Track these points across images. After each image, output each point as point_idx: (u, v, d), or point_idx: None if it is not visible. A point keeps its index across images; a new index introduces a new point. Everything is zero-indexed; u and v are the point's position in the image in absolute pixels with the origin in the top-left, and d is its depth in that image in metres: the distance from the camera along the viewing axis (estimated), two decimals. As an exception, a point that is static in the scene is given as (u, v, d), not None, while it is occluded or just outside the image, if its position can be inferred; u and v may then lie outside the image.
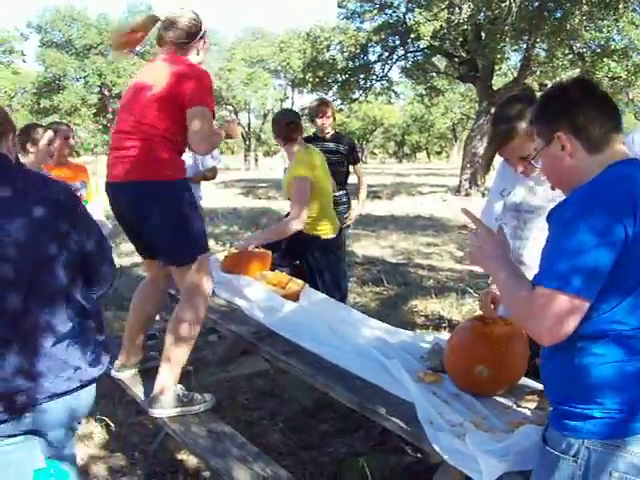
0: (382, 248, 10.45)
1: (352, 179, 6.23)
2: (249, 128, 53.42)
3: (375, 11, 21.68)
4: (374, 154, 78.99)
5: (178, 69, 3.13)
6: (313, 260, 4.59)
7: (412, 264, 8.97)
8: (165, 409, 3.11)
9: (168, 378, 3.15)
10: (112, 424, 4.05)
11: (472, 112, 35.13)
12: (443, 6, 16.22)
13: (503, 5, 14.95)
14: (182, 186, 3.19)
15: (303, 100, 46.24)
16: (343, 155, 5.90)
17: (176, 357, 3.16)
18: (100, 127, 45.50)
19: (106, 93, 44.46)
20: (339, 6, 22.57)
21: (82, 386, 2.11)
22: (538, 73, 20.89)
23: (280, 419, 4.15)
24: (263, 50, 46.86)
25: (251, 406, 4.38)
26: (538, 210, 2.75)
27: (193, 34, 3.30)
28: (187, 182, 3.25)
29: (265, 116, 54.00)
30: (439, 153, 76.83)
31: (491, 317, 2.58)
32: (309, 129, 9.79)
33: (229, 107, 51.72)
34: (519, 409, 2.39)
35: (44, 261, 2.01)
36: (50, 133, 4.51)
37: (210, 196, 19.23)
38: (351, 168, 6.10)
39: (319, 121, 5.87)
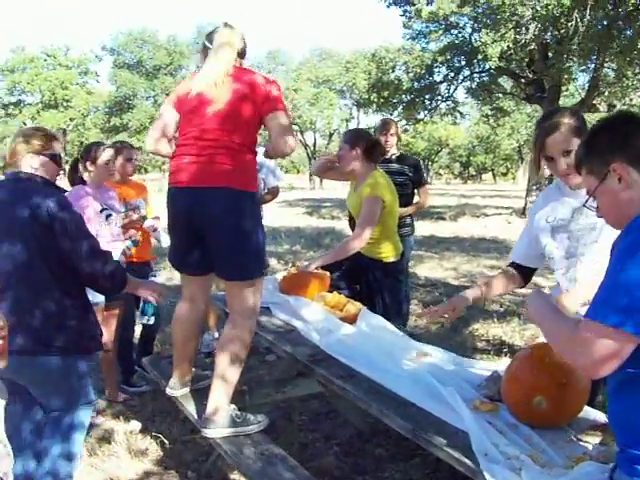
0: (445, 270, 10.32)
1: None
2: (314, 148, 53.74)
3: (441, 32, 21.58)
4: (439, 175, 78.52)
5: (252, 78, 3.19)
6: (374, 283, 4.53)
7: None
8: (218, 429, 3.10)
9: (221, 398, 3.14)
10: (166, 441, 4.08)
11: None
12: (510, 26, 16.01)
13: (569, 24, 14.65)
14: (257, 199, 3.23)
15: (368, 120, 46.13)
16: (407, 177, 5.84)
17: (228, 376, 3.15)
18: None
19: (175, 112, 45.33)
20: (405, 27, 22.54)
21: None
22: (606, 94, 20.40)
23: (335, 442, 4.11)
24: (329, 70, 47.23)
25: (306, 428, 4.34)
26: (590, 226, 2.71)
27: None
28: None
29: (331, 136, 54.27)
30: (505, 174, 75.88)
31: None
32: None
33: (295, 127, 52.14)
34: (580, 443, 2.29)
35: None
36: (109, 152, 4.58)
37: (274, 215, 19.47)
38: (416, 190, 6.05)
39: (383, 139, 5.79)
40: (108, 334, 4.52)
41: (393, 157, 5.87)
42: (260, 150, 5.94)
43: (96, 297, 4.49)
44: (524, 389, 2.37)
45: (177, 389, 3.55)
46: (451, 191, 40.76)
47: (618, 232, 1.72)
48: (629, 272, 1.54)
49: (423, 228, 16.67)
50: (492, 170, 73.94)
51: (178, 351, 3.53)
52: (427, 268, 10.41)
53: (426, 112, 24.60)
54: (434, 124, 33.62)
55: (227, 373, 3.14)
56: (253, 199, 3.17)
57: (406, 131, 36.15)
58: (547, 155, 2.67)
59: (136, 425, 4.45)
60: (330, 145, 52.99)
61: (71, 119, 43.92)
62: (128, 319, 5.03)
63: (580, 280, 2.72)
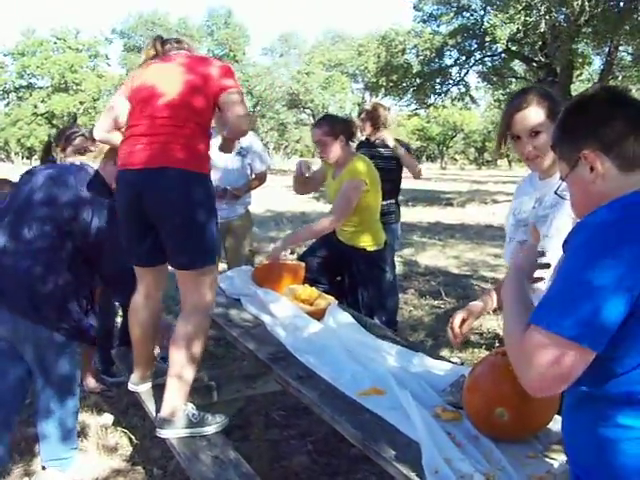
0: (447, 258, 10.10)
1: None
2: (326, 132, 53.44)
3: (452, 14, 21.27)
4: (455, 160, 77.98)
5: (205, 70, 2.99)
6: (357, 274, 4.36)
7: (476, 276, 8.60)
8: (174, 430, 2.92)
9: (176, 397, 2.96)
10: (134, 438, 3.94)
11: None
12: (520, 7, 15.67)
13: (575, 3, 14.28)
14: (212, 187, 3.05)
15: (381, 104, 45.81)
16: (393, 160, 5.66)
17: (183, 375, 2.96)
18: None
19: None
20: (415, 9, 22.26)
21: None
22: (621, 78, 20.02)
23: (309, 439, 3.94)
24: (342, 54, 46.95)
25: (281, 424, 4.18)
26: (544, 218, 2.47)
27: None
28: None
29: (343, 120, 53.98)
30: (520, 160, 74.87)
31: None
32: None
33: (307, 110, 51.92)
34: (545, 459, 2.08)
35: None
36: (81, 140, 4.40)
37: (279, 199, 19.27)
38: (406, 173, 5.88)
39: (360, 124, 5.69)
40: None
41: (378, 141, 5.71)
42: (250, 135, 5.78)
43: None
44: (485, 398, 2.15)
45: (138, 384, 3.38)
46: (464, 176, 40.40)
47: (568, 227, 1.52)
48: (585, 274, 1.34)
49: (429, 214, 16.48)
50: (507, 156, 73.26)
51: (137, 346, 3.34)
52: (429, 256, 10.20)
53: (436, 96, 24.31)
54: (445, 108, 33.29)
55: (182, 371, 2.96)
56: (207, 184, 2.97)
57: (417, 115, 35.80)
58: (514, 133, 2.47)
59: (108, 419, 4.32)
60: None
61: (81, 103, 43.90)
62: (108, 307, 4.89)
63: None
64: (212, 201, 2.99)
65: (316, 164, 5.06)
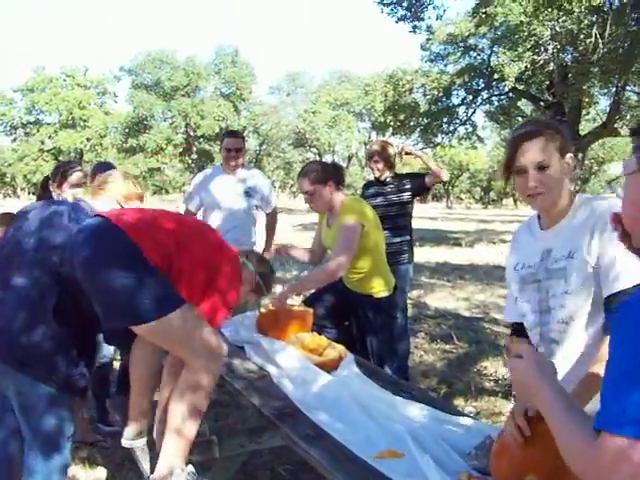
0: (457, 300, 9.85)
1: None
2: (333, 171, 53.49)
3: (459, 53, 21.30)
4: (460, 199, 77.97)
5: None
6: (365, 322, 4.13)
7: (487, 319, 8.34)
8: (167, 496, 2.66)
9: (174, 457, 2.70)
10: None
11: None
12: (528, 46, 15.61)
13: (588, 41, 14.19)
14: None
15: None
16: (408, 189, 5.49)
17: (183, 431, 2.70)
18: (186, 166, 46.58)
19: (191, 134, 45.47)
20: (422, 49, 22.30)
21: None
22: (628, 117, 19.92)
23: (319, 498, 3.67)
24: (348, 93, 47.20)
25: (289, 478, 3.91)
26: (558, 272, 2.22)
27: None
28: None
29: (350, 159, 54.06)
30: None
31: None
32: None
33: (313, 149, 52.07)
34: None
35: None
36: (78, 175, 4.23)
37: (285, 238, 19.07)
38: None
39: (372, 166, 5.54)
40: None
41: (387, 179, 5.53)
42: (254, 172, 5.63)
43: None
44: (513, 465, 1.90)
45: (133, 439, 3.12)
46: (471, 216, 40.25)
47: (586, 278, 1.30)
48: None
49: (438, 254, 16.23)
50: (513, 195, 73.24)
51: (134, 396, 3.10)
52: (438, 298, 9.95)
53: (444, 136, 24.24)
54: (452, 148, 33.27)
55: (182, 427, 2.70)
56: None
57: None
58: (518, 167, 2.18)
59: (102, 473, 4.06)
60: (350, 168, 52.72)
61: (88, 139, 44.05)
62: (102, 349, 4.65)
63: (558, 340, 2.27)
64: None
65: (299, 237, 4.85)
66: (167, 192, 52.43)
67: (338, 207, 4.06)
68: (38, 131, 45.20)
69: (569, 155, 2.20)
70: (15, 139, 48.74)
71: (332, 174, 4.07)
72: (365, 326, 4.12)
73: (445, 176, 5.55)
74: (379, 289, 4.08)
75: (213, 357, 2.74)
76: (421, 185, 5.53)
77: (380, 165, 5.50)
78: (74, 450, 4.29)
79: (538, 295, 2.30)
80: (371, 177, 5.80)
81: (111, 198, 3.12)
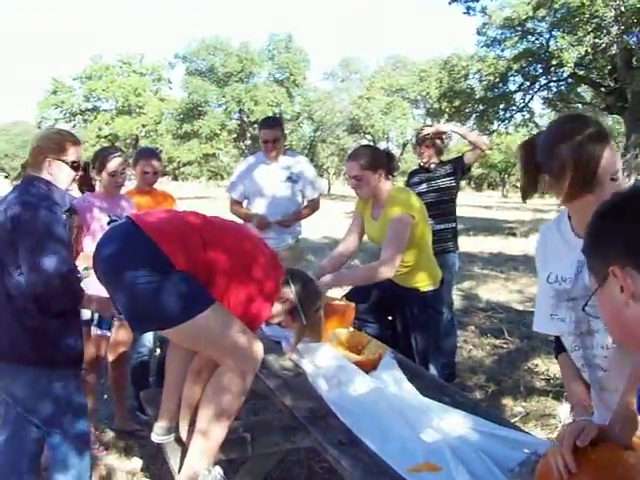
0: (510, 293, 9.55)
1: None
2: (387, 158, 53.13)
3: (516, 38, 20.72)
4: (516, 188, 76.65)
5: None
6: (410, 317, 3.94)
7: (540, 313, 8.05)
8: (193, 498, 2.55)
9: (200, 458, 2.59)
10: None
11: (620, 147, 33.11)
12: (589, 29, 15.04)
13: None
14: None
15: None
16: (451, 173, 5.34)
17: (211, 432, 2.59)
18: (240, 152, 46.77)
19: (244, 119, 45.60)
20: (478, 33, 21.81)
21: None
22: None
23: (355, 500, 3.52)
24: (403, 79, 46.72)
25: (325, 477, 3.78)
26: None
27: None
28: None
29: (404, 146, 53.52)
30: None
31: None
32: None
33: (368, 136, 51.73)
34: None
35: None
36: (117, 161, 4.16)
37: (337, 226, 18.93)
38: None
39: (419, 150, 5.44)
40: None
41: (432, 166, 5.41)
42: (299, 159, 5.47)
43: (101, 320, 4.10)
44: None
45: (163, 435, 3.02)
46: (526, 205, 39.44)
47: None
48: None
49: (491, 244, 15.91)
50: (571, 184, 71.61)
51: (167, 389, 3.01)
52: (490, 290, 9.67)
53: (500, 123, 23.74)
54: (508, 135, 32.63)
55: (210, 429, 2.59)
56: None
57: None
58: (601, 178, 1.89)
59: (137, 463, 4.02)
60: (404, 155, 52.23)
61: (143, 125, 44.54)
62: (144, 339, 4.60)
63: (603, 366, 1.99)
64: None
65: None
66: (222, 178, 52.69)
67: (384, 197, 3.87)
68: (96, 118, 45.86)
69: None
70: (74, 126, 49.62)
71: (384, 162, 3.88)
72: (410, 322, 3.94)
73: (484, 144, 5.38)
74: (425, 283, 3.90)
75: (245, 358, 2.62)
76: (461, 164, 5.39)
77: (431, 151, 5.38)
78: (112, 439, 4.30)
79: (575, 315, 2.02)
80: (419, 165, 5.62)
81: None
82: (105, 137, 44.44)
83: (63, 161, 2.93)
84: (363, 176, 3.83)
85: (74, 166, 2.98)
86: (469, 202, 37.46)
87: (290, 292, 2.87)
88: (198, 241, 2.62)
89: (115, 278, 2.57)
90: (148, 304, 2.49)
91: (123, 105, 44.89)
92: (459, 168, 5.35)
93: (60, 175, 2.93)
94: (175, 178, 54.90)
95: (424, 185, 5.34)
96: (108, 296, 2.77)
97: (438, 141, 5.44)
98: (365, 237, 4.24)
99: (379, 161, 3.85)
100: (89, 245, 3.91)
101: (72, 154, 2.97)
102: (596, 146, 1.88)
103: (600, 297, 1.30)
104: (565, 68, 17.68)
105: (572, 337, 2.05)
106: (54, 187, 2.89)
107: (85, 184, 4.19)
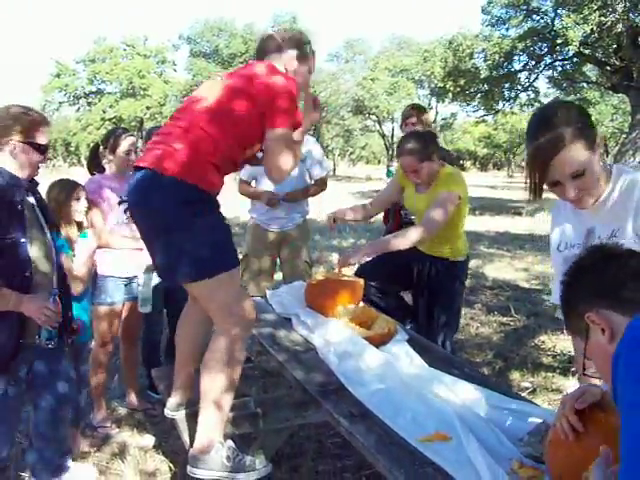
0: (516, 271, 9.59)
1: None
2: (392, 138, 52.94)
3: (521, 17, 20.57)
4: (521, 168, 76.42)
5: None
6: (435, 285, 3.98)
7: (546, 291, 8.07)
8: (206, 471, 2.58)
9: (212, 431, 2.63)
10: (175, 465, 3.65)
11: (625, 125, 32.85)
12: (595, 7, 14.91)
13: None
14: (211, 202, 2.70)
15: (445, 110, 45.40)
16: None
17: (217, 403, 2.63)
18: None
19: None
20: (483, 12, 21.65)
21: None
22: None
23: (365, 473, 3.56)
24: (407, 59, 46.48)
25: (336, 454, 3.82)
26: None
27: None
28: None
29: (408, 126, 53.38)
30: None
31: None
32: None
33: (372, 117, 51.55)
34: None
35: None
36: (130, 140, 4.18)
37: (343, 206, 18.97)
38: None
39: (407, 128, 5.15)
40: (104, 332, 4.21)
41: None
42: (307, 138, 5.47)
43: (112, 297, 4.13)
44: (572, 458, 1.73)
45: (176, 410, 3.07)
46: (532, 184, 39.37)
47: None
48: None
49: (497, 223, 15.93)
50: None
51: (178, 365, 3.05)
52: (496, 268, 9.71)
53: (505, 102, 23.64)
54: (514, 115, 32.51)
55: (215, 400, 2.62)
56: (197, 194, 2.59)
57: (484, 121, 35.07)
58: (551, 180, 2.00)
59: (149, 441, 4.06)
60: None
61: (148, 108, 44.55)
62: (154, 319, 4.64)
63: None
64: (203, 210, 2.62)
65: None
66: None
67: (433, 175, 3.91)
68: (100, 101, 45.88)
69: (597, 141, 2.00)
70: (79, 109, 49.60)
71: (433, 146, 3.92)
72: (434, 291, 3.97)
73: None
74: (455, 253, 3.98)
75: (246, 326, 2.71)
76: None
77: (419, 127, 5.14)
78: (124, 417, 4.36)
79: None
80: None
81: None
82: (109, 120, 44.41)
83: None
84: (422, 167, 3.84)
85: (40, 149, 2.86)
86: (475, 182, 37.41)
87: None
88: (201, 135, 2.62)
89: (162, 230, 2.58)
90: (185, 255, 2.55)
91: (127, 87, 44.85)
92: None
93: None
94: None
95: None
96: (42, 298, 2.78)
97: (427, 117, 5.31)
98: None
99: (430, 147, 3.87)
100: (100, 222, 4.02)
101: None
102: (539, 158, 1.99)
103: (589, 352, 1.43)
104: (570, 47, 17.56)
105: None
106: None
107: (95, 165, 4.24)
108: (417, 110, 5.26)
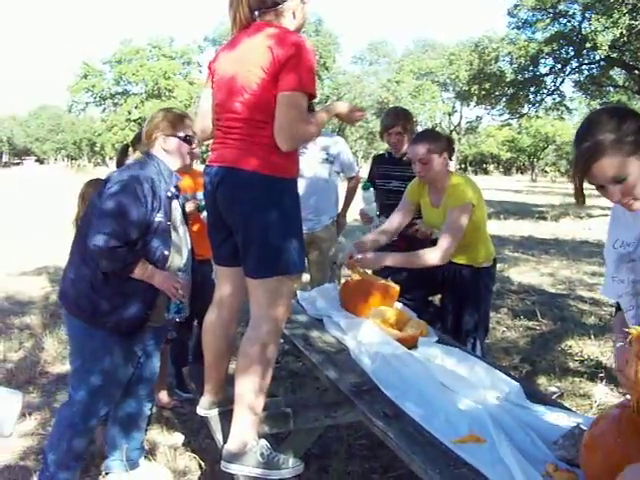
0: (541, 275, 9.55)
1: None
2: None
3: (548, 20, 20.46)
4: (545, 172, 76.03)
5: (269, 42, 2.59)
6: (462, 292, 3.97)
7: (573, 296, 8.05)
8: (241, 466, 2.62)
9: (246, 429, 2.67)
10: (205, 462, 3.68)
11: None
12: (625, 10, 14.78)
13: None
14: (289, 187, 2.72)
15: (471, 114, 45.17)
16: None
17: (254, 404, 2.67)
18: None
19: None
20: (510, 15, 21.56)
21: None
22: None
23: (393, 475, 3.58)
24: (432, 62, 46.41)
25: (363, 455, 3.84)
26: None
27: None
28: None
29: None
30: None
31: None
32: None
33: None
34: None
35: None
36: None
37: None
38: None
39: (388, 139, 4.89)
40: None
41: (405, 158, 4.54)
42: (336, 139, 5.49)
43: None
44: (608, 461, 1.75)
45: (209, 409, 3.12)
46: (556, 189, 39.15)
47: None
48: None
49: (522, 228, 15.85)
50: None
51: (208, 367, 3.09)
52: (522, 272, 9.68)
53: (530, 106, 23.53)
54: (539, 119, 32.28)
55: (251, 399, 2.66)
56: (289, 189, 2.68)
57: (509, 125, 34.89)
58: (595, 184, 1.99)
59: (179, 439, 4.09)
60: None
61: (173, 109, 44.90)
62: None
63: None
64: (293, 208, 2.70)
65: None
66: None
67: (444, 184, 3.86)
68: (125, 101, 46.31)
69: None
70: (104, 109, 50.03)
71: (447, 146, 3.90)
72: (461, 298, 3.97)
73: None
74: (480, 260, 3.95)
75: (279, 331, 2.79)
76: None
77: (404, 137, 4.81)
78: (153, 415, 4.40)
79: (632, 276, 2.11)
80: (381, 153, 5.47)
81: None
82: (135, 120, 44.73)
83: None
84: (430, 159, 3.81)
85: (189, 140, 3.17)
86: (498, 186, 37.20)
87: None
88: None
89: (251, 222, 2.64)
90: (272, 251, 2.64)
91: (153, 89, 45.17)
92: None
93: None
94: (204, 161, 55.35)
95: (394, 182, 4.87)
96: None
97: (412, 124, 4.95)
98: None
99: (443, 144, 3.86)
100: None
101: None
102: (579, 165, 1.96)
103: None
104: (599, 51, 17.41)
105: (628, 297, 2.11)
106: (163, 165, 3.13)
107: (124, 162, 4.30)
108: (403, 118, 4.87)
